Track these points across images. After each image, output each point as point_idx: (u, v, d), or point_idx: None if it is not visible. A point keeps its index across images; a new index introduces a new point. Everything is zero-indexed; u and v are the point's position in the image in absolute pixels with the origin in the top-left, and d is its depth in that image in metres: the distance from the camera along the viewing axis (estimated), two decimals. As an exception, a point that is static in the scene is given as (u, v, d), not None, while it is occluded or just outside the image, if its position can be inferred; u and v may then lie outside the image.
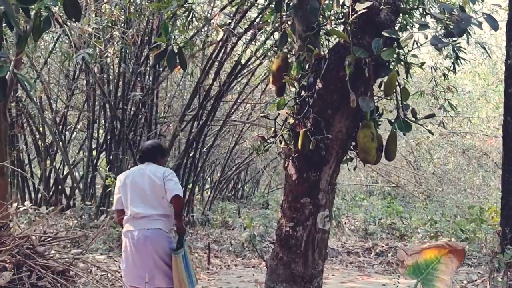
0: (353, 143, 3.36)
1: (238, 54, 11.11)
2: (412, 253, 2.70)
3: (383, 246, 11.03)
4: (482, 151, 21.54)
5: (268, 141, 3.52)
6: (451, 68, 7.69)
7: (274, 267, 3.49)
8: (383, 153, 3.02)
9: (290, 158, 3.32)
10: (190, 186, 13.12)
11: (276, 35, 10.90)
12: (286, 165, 3.40)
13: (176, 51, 3.17)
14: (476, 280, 6.46)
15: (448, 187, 19.02)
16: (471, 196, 18.28)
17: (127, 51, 10.50)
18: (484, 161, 21.55)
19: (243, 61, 11.28)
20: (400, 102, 2.96)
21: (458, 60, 7.22)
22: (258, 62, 11.47)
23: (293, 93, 3.44)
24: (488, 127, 21.70)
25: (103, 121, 12.51)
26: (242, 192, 22.55)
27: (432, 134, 2.98)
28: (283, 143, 3.33)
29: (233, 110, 12.89)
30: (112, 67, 11.65)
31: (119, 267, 5.52)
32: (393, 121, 3.01)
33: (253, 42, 10.69)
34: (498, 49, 19.38)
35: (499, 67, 23.28)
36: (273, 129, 3.47)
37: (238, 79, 12.21)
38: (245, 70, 11.83)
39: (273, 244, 3.71)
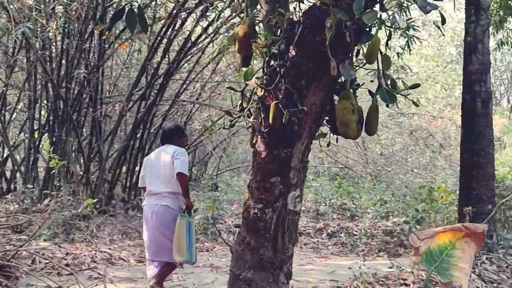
0: (327, 117, 3.11)
1: (188, 31, 10.69)
2: (425, 237, 2.45)
3: (334, 227, 10.96)
4: (428, 132, 21.87)
5: (234, 115, 3.21)
6: (405, 48, 7.65)
7: (240, 253, 3.21)
8: (363, 127, 2.76)
9: (260, 133, 3.02)
10: (137, 168, 12.67)
11: (228, 11, 10.69)
12: (254, 141, 3.11)
13: (136, 10, 2.80)
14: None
15: (397, 167, 19.21)
16: (418, 176, 18.51)
17: (71, 27, 9.94)
18: (430, 141, 21.89)
19: (193, 39, 10.88)
20: (381, 70, 2.70)
21: (412, 40, 7.16)
22: (209, 39, 11.09)
23: (261, 62, 3.13)
24: (434, 108, 22.06)
25: (45, 100, 11.89)
26: (190, 175, 22.15)
27: (418, 106, 2.73)
28: (252, 117, 3.02)
29: (182, 90, 12.49)
30: (54, 43, 11.03)
31: (66, 253, 5.28)
32: (373, 91, 2.75)
33: (204, 18, 10.30)
34: (448, 30, 19.63)
35: (445, 49, 23.66)
36: (239, 102, 3.16)
37: (188, 57, 11.79)
38: (195, 48, 11.43)
39: (234, 227, 3.42)
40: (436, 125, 22.36)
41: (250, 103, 3.03)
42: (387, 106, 2.80)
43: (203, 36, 10.97)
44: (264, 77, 3.02)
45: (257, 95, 3.06)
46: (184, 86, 12.43)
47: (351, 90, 2.75)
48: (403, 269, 5.83)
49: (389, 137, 21.06)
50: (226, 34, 10.44)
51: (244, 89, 3.14)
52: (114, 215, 10.62)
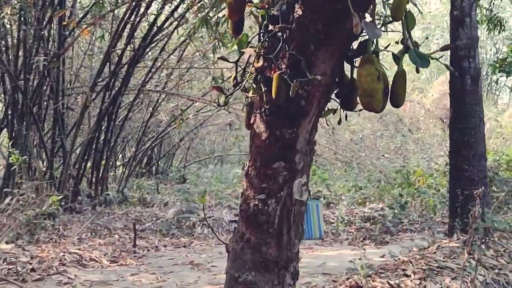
0: (337, 90, 2.67)
1: (154, 15, 10.11)
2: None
3: (311, 215, 10.57)
4: (398, 117, 21.74)
5: (226, 91, 2.73)
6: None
7: (238, 252, 2.75)
8: (388, 98, 2.31)
9: (259, 111, 2.56)
10: (103, 162, 12.08)
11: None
12: (252, 121, 2.64)
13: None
14: (429, 247, 6.02)
15: (370, 152, 19.01)
16: (390, 161, 18.32)
17: (27, 13, 9.27)
18: (400, 126, 21.78)
19: (159, 23, 10.33)
20: (407, 29, 2.26)
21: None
22: (175, 24, 10.55)
23: (256, 29, 2.67)
24: (402, 92, 21.88)
25: (2, 94, 11.17)
26: (157, 168, 21.58)
27: (451, 70, 2.30)
28: (251, 91, 2.56)
29: (148, 79, 11.91)
30: (10, 32, 10.34)
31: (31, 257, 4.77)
32: (398, 54, 2.31)
33: (169, 2, 9.76)
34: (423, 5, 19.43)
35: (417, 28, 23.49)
36: (233, 75, 2.68)
37: (153, 44, 11.23)
38: (161, 34, 10.87)
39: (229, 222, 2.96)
40: (405, 109, 22.23)
41: (248, 75, 2.55)
42: (417, 71, 2.37)
43: (169, 21, 10.42)
44: (262, 44, 2.55)
45: (254, 66, 2.59)
46: (150, 74, 11.85)
47: (375, 54, 2.30)
48: (399, 258, 5.45)
49: (359, 122, 20.85)
50: (194, 17, 9.91)
51: (238, 60, 2.66)
52: (81, 212, 10.05)
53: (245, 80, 2.57)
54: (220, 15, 7.48)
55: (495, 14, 11.23)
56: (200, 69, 13.53)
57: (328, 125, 21.01)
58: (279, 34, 2.48)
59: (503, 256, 5.76)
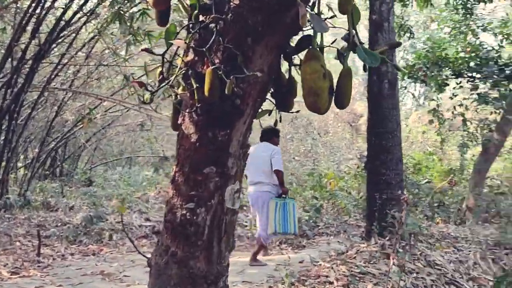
0: (272, 89, 2.47)
1: (62, 8, 9.52)
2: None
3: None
4: (308, 120, 22.00)
5: (151, 88, 2.45)
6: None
7: (163, 267, 2.48)
8: (333, 98, 2.12)
9: (189, 110, 2.30)
10: (3, 164, 11.26)
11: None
12: (180, 121, 2.38)
13: None
14: (347, 251, 5.97)
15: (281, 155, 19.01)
16: (300, 164, 18.47)
17: None
18: (310, 129, 22.04)
19: (67, 18, 9.74)
20: (352, 25, 2.08)
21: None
22: (84, 19, 10.00)
23: (184, 19, 2.41)
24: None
25: None
26: (61, 169, 20.59)
27: (400, 70, 2.15)
28: (180, 88, 2.29)
29: (53, 76, 11.23)
30: None
31: None
32: (342, 51, 2.13)
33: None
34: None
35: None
36: (159, 70, 2.40)
37: (60, 39, 10.59)
38: (69, 29, 10.27)
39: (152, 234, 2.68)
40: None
41: (177, 70, 2.29)
42: (365, 70, 2.20)
43: (78, 15, 9.86)
44: (193, 36, 2.29)
45: (183, 60, 2.33)
46: (56, 71, 11.18)
47: (320, 49, 2.10)
48: (320, 264, 5.34)
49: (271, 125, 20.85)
50: (105, 12, 9.43)
51: (165, 53, 2.39)
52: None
53: (174, 76, 2.30)
54: (135, 9, 7.12)
55: (405, 22, 11.54)
56: (110, 67, 12.95)
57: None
58: (212, 25, 2.23)
59: (420, 259, 5.81)
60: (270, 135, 6.73)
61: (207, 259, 2.45)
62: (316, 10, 2.13)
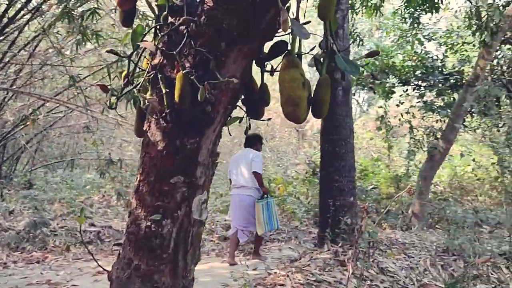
0: (243, 96, 2.38)
1: (6, 4, 9.12)
2: None
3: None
4: (256, 124, 21.95)
5: (115, 92, 2.31)
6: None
7: (124, 281, 2.35)
8: (311, 107, 2.04)
9: (156, 116, 2.18)
10: None
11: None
12: (146, 127, 2.25)
13: None
14: (300, 259, 5.92)
15: (223, 159, 18.96)
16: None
17: None
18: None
19: (10, 15, 9.33)
20: (329, 31, 2.02)
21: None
22: (28, 16, 9.61)
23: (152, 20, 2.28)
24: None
25: None
26: (-1, 172, 19.79)
27: (377, 79, 2.09)
28: (148, 92, 2.16)
29: (-7, 75, 10.77)
30: None
31: None
32: (319, 58, 2.05)
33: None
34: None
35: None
36: (124, 72, 2.27)
37: (2, 37, 10.14)
38: (12, 26, 9.84)
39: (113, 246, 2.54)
40: (262, 117, 22.55)
41: (146, 74, 2.16)
42: (343, 78, 2.13)
43: (22, 12, 9.47)
44: (161, 39, 2.18)
45: (150, 63, 2.21)
46: (-4, 70, 10.73)
47: (298, 56, 2.01)
48: (275, 272, 5.27)
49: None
50: (52, 10, 9.12)
51: (131, 55, 2.26)
52: None
53: (142, 79, 2.17)
54: (85, 7, 6.87)
55: (355, 29, 11.67)
56: (54, 67, 12.52)
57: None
58: (183, 27, 2.12)
59: (373, 266, 5.82)
60: (254, 141, 7.14)
61: (172, 272, 2.34)
62: (294, 15, 2.05)
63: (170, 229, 2.28)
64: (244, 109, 2.41)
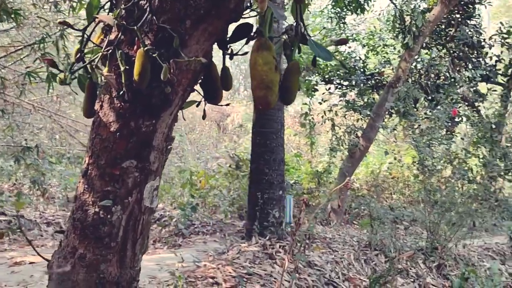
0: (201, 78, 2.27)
1: None
2: None
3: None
4: (182, 116, 21.68)
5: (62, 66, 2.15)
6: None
7: (67, 271, 2.19)
8: (279, 93, 1.97)
9: (110, 95, 2.05)
10: None
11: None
12: (97, 107, 2.11)
13: None
14: (228, 251, 5.87)
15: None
16: (168, 161, 18.13)
17: None
18: (177, 125, 21.75)
19: None
20: (299, 15, 1.96)
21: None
22: None
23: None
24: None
25: None
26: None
27: (346, 68, 2.06)
28: (106, 68, 2.02)
29: None
30: None
31: None
32: (277, 43, 1.99)
33: None
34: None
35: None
36: (76, 47, 2.11)
37: None
38: None
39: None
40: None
41: (104, 48, 2.02)
42: (314, 65, 2.08)
43: None
44: (119, 13, 2.04)
45: (105, 38, 2.07)
46: None
47: (270, 39, 1.94)
48: (205, 265, 5.18)
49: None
50: None
51: (86, 28, 2.10)
52: None
53: (99, 54, 2.02)
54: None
55: (283, 25, 11.70)
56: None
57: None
58: (143, 2, 2.00)
59: (302, 260, 5.86)
60: None
61: (120, 262, 2.22)
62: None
63: (120, 217, 2.15)
64: (202, 92, 2.30)
